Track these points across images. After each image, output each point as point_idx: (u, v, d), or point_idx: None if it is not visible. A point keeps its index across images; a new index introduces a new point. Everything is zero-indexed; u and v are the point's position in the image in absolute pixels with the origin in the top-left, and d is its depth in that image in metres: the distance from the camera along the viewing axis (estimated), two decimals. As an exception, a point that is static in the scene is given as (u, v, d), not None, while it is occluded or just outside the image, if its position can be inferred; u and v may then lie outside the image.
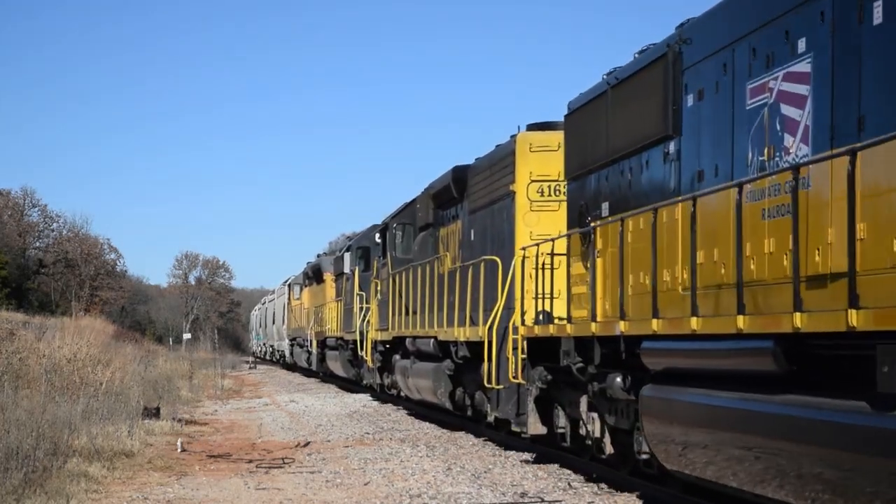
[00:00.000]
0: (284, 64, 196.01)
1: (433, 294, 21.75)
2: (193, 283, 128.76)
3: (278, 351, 65.18)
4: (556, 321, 14.48)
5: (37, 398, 17.96)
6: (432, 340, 21.29)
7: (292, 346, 54.32)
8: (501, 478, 14.43)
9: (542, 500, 12.55)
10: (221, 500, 12.88)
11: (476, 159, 20.54)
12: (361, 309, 30.02)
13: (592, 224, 13.23)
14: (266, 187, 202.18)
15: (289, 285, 56.59)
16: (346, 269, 33.94)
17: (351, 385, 35.88)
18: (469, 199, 20.48)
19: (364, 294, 30.33)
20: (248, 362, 72.46)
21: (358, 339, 29.92)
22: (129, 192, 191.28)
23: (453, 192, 21.19)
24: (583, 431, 14.27)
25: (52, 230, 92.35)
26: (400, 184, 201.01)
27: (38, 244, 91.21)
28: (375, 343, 27.98)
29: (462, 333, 18.99)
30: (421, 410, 25.16)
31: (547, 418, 15.77)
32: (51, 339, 29.49)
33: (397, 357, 25.66)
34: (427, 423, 23.19)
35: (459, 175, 20.89)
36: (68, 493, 12.51)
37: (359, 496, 13.08)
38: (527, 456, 16.58)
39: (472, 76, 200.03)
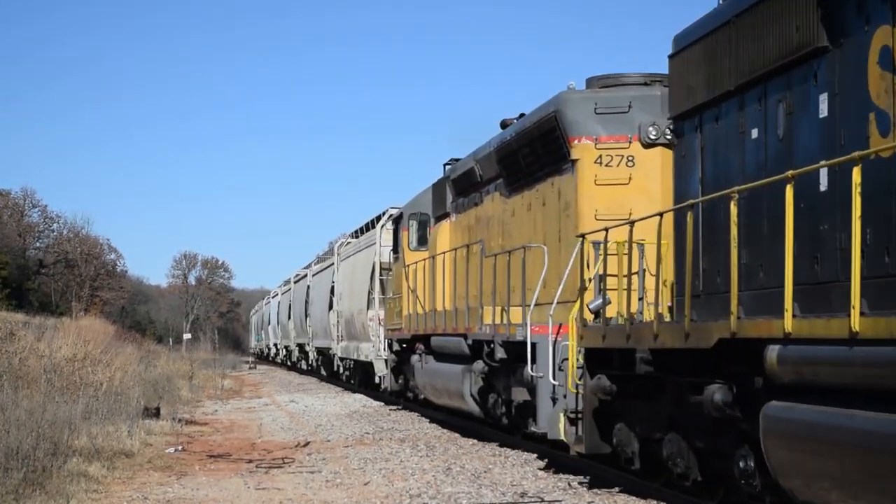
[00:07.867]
0: (284, 66, 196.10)
1: None
2: (193, 283, 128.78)
3: (344, 360, 36.06)
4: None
5: (37, 398, 17.93)
6: None
7: (402, 354, 25.39)
8: (501, 478, 14.44)
9: (542, 500, 12.56)
10: (221, 500, 12.89)
11: None
12: None
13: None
14: (266, 187, 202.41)
15: (393, 221, 27.29)
16: None
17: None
18: None
19: None
20: (248, 362, 72.50)
21: None
22: (128, 193, 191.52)
23: None
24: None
25: (53, 230, 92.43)
26: (400, 184, 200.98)
27: (38, 244, 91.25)
28: None
29: None
30: None
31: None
32: (51, 339, 29.41)
33: None
34: (427, 423, 23.16)
35: None
36: (68, 493, 12.52)
37: (359, 496, 13.08)
38: (527, 456, 16.60)
39: (470, 78, 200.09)
